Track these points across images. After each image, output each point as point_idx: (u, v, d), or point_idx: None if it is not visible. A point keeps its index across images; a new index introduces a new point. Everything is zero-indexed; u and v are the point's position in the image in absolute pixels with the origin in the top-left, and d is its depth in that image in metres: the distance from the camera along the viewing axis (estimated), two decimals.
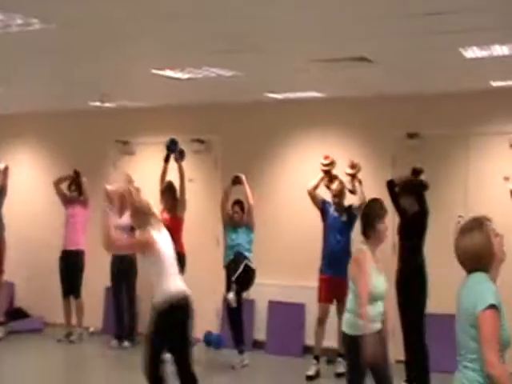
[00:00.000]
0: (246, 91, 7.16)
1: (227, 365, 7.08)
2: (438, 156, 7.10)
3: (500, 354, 2.88)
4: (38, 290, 8.87)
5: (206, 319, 7.86)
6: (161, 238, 4.98)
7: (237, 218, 7.09)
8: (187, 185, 7.17)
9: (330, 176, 6.87)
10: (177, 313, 4.87)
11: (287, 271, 7.67)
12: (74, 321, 8.16)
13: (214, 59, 5.46)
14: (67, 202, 8.17)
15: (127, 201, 6.07)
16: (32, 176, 9.31)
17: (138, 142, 8.68)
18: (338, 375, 6.65)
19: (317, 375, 6.67)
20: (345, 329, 4.43)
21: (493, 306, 2.89)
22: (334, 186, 6.77)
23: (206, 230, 8.03)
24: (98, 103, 7.85)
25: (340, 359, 6.59)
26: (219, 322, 7.94)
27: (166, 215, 7.04)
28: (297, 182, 7.53)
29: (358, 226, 6.59)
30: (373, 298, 4.33)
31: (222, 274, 7.07)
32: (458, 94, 6.90)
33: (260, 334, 7.78)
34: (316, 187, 6.88)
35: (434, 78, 6.34)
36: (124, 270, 7.76)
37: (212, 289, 7.70)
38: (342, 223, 6.73)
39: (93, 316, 8.37)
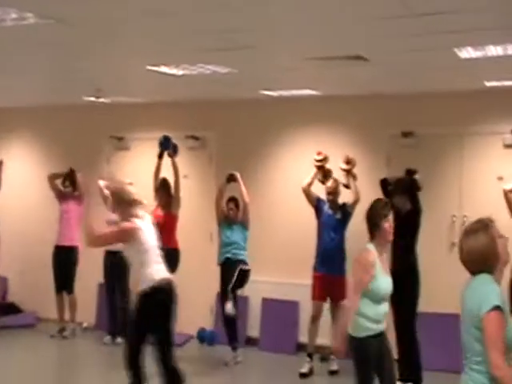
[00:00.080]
0: (241, 88, 7.14)
1: (221, 361, 7.07)
2: (432, 155, 7.11)
3: (506, 356, 2.86)
4: (32, 285, 8.85)
5: (200, 316, 7.87)
6: (144, 226, 4.98)
7: (232, 214, 7.09)
8: (181, 181, 7.18)
9: (323, 171, 6.89)
10: (160, 294, 4.92)
11: (281, 269, 7.67)
12: (67, 316, 8.14)
13: (209, 56, 5.44)
14: (61, 197, 8.13)
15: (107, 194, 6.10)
16: (26, 170, 9.28)
17: (132, 138, 8.66)
18: (332, 373, 6.68)
19: (310, 373, 6.68)
20: (349, 331, 4.29)
21: (497, 308, 2.88)
22: (329, 183, 6.78)
23: (200, 226, 8.03)
24: (92, 98, 7.83)
25: (333, 357, 6.61)
26: (213, 319, 7.93)
27: (160, 212, 7.04)
28: (291, 180, 7.53)
29: (351, 224, 6.69)
30: (377, 299, 4.24)
31: (216, 270, 7.06)
32: (452, 94, 6.92)
33: (253, 331, 7.78)
34: (310, 184, 6.88)
35: (429, 78, 6.35)
36: (117, 266, 7.72)
37: (206, 285, 7.70)
38: (336, 221, 6.74)
39: (86, 312, 8.35)
